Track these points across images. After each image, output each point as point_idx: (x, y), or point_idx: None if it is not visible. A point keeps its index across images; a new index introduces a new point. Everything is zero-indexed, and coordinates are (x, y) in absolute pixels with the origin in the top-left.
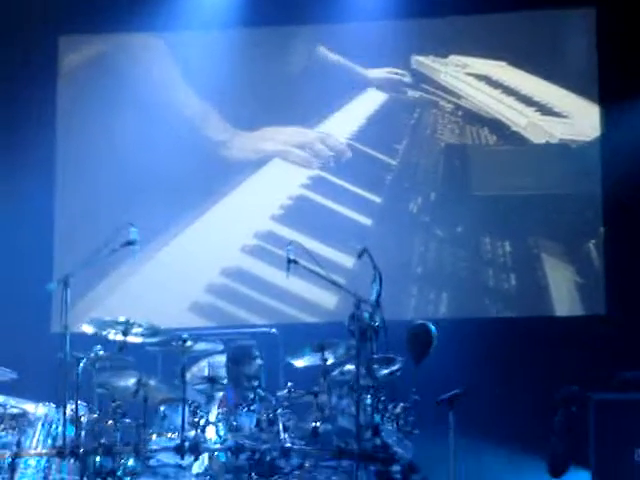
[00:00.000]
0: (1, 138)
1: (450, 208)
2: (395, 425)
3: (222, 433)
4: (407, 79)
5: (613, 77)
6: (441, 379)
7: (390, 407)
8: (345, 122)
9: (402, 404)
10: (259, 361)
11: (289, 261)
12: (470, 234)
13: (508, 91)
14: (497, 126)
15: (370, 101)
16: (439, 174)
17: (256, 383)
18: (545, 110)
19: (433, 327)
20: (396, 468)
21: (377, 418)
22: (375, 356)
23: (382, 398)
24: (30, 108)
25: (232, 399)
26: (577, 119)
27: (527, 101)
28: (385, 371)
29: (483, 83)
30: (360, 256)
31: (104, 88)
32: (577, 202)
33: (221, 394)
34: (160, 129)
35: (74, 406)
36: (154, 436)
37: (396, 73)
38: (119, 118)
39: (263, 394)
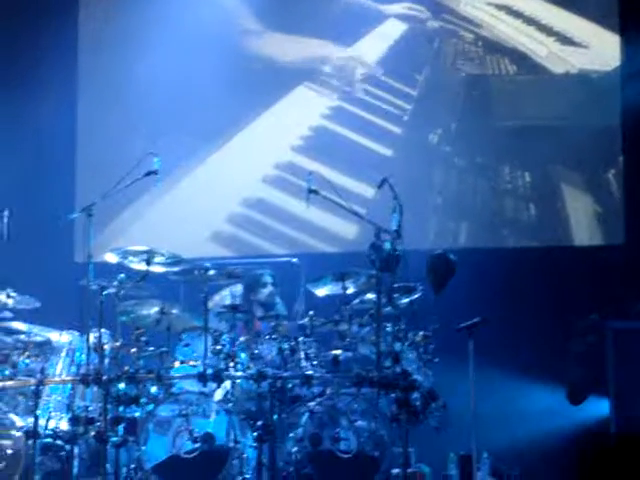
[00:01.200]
0: (24, 68)
1: (470, 138)
2: (415, 353)
3: (244, 361)
4: (427, 9)
5: (633, 7)
6: (461, 308)
7: (410, 335)
8: (365, 53)
9: (422, 332)
10: (270, 288)
11: (309, 191)
12: (490, 164)
13: (528, 21)
14: (517, 56)
15: (390, 32)
16: (459, 104)
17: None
18: (565, 40)
19: (453, 256)
20: (416, 395)
21: (397, 346)
22: (395, 285)
23: (402, 326)
24: (52, 36)
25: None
26: (597, 49)
27: (547, 31)
28: (405, 300)
29: (503, 13)
30: (380, 186)
31: (127, 12)
32: (597, 132)
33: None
34: (185, 56)
35: (97, 334)
36: (177, 364)
37: (415, 5)
38: (142, 45)
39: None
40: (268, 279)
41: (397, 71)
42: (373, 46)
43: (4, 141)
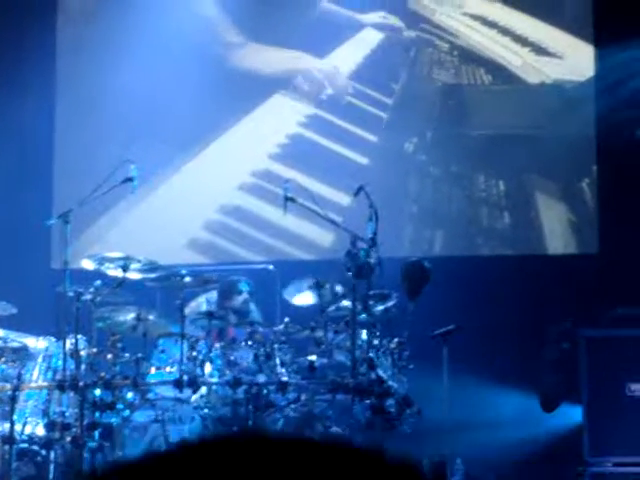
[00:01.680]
0: (1, 72)
1: (445, 147)
2: (390, 360)
3: (219, 367)
4: (403, 19)
5: (608, 18)
6: (435, 315)
7: (385, 342)
8: (341, 61)
9: (397, 339)
10: (245, 295)
11: (286, 199)
12: (465, 173)
13: (503, 31)
14: (493, 66)
15: (366, 41)
16: (435, 113)
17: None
18: (540, 50)
19: (428, 264)
20: (391, 402)
21: (372, 353)
22: (371, 292)
23: (377, 333)
24: (30, 40)
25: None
26: (571, 59)
27: (522, 41)
28: (380, 307)
29: (478, 23)
30: (357, 194)
31: (106, 17)
32: (571, 141)
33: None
34: (162, 63)
35: (74, 340)
36: (153, 370)
37: (391, 14)
38: (121, 50)
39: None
40: (244, 286)
41: (373, 80)
42: (349, 55)
43: None
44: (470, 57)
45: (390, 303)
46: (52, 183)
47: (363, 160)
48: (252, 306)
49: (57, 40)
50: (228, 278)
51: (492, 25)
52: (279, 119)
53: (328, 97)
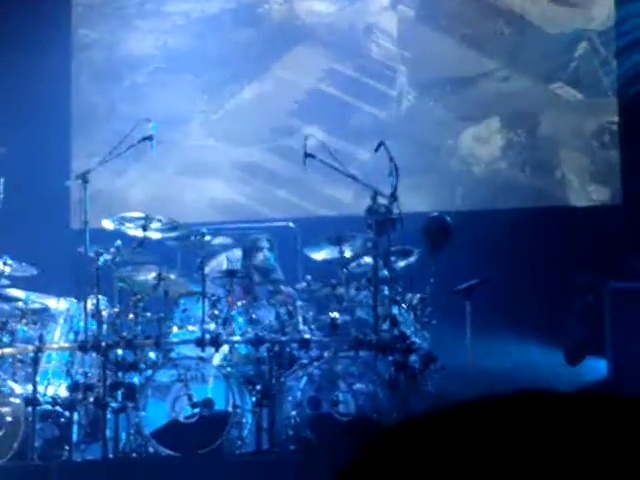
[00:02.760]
0: (17, 33)
1: (465, 98)
2: (412, 316)
3: (241, 325)
4: None
5: None
6: (458, 270)
7: (407, 298)
8: (361, 12)
9: (419, 295)
10: (266, 253)
11: (306, 155)
12: (484, 125)
13: None
14: (512, 17)
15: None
16: (454, 66)
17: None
18: (560, 1)
19: (449, 219)
20: (414, 358)
21: (395, 309)
22: (392, 248)
23: (399, 290)
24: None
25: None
26: (591, 9)
27: None
28: (402, 263)
29: None
30: (377, 149)
31: None
32: (592, 92)
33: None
34: (184, 14)
35: (95, 300)
36: (175, 329)
37: None
38: (141, 7)
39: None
40: (265, 244)
41: (391, 34)
42: (367, 8)
43: None
44: (491, 8)
45: (412, 259)
46: (70, 144)
47: (382, 114)
48: (274, 263)
49: (72, 1)
50: (249, 236)
51: None
52: (297, 75)
53: (348, 50)
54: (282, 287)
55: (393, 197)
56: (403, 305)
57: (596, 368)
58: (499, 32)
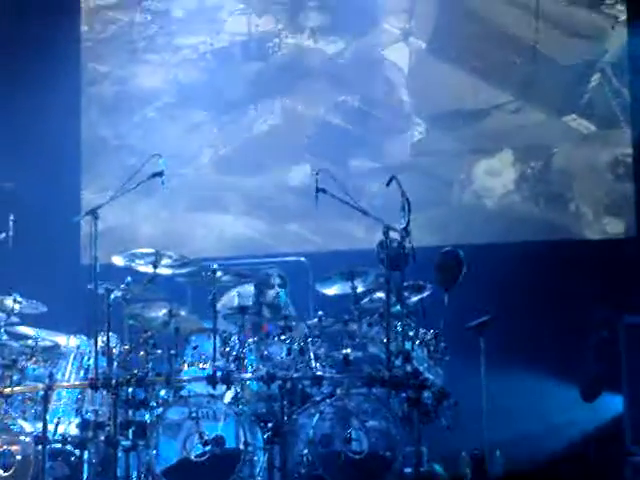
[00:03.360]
0: (26, 68)
1: (478, 134)
2: (426, 352)
3: (253, 363)
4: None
5: None
6: (472, 305)
7: (420, 334)
8: (371, 44)
9: (432, 331)
10: (277, 289)
11: (317, 190)
12: (499, 160)
13: (536, 14)
14: (524, 48)
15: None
16: (465, 98)
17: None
18: (572, 32)
19: (462, 253)
20: (427, 394)
21: (407, 345)
22: (405, 283)
23: (412, 325)
24: (56, 37)
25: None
26: (604, 40)
27: (553, 23)
28: (415, 298)
29: (512, 6)
30: (388, 184)
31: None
32: (606, 123)
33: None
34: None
35: (105, 337)
36: (185, 366)
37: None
38: (148, 45)
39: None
40: (276, 280)
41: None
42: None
43: (8, 143)
44: (501, 39)
45: (425, 294)
46: (80, 179)
47: (392, 147)
48: (286, 299)
49: (82, 36)
50: (260, 271)
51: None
52: (308, 107)
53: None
54: (293, 323)
55: (405, 231)
56: (416, 341)
57: (612, 404)
58: (511, 63)
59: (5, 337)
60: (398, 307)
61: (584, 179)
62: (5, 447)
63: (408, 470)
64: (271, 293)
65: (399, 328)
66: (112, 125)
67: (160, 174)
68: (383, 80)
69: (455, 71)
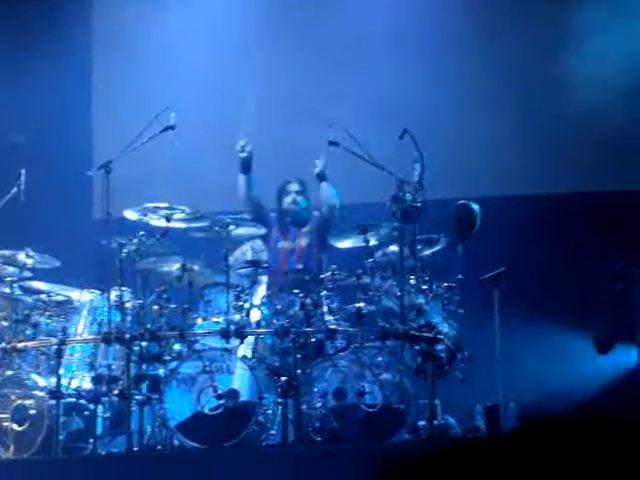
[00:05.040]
0: (39, 24)
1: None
2: (440, 305)
3: (266, 316)
4: None
5: None
6: (486, 257)
7: (434, 287)
8: None
9: (446, 284)
10: (294, 196)
11: (330, 143)
12: (504, 115)
13: None
14: None
15: None
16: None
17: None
18: None
19: (476, 206)
20: (441, 347)
21: (421, 298)
22: (418, 236)
23: (426, 278)
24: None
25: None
26: None
27: None
28: (428, 251)
29: None
30: (401, 137)
31: None
32: None
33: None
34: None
35: (119, 292)
36: (199, 320)
37: None
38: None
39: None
40: (293, 187)
41: None
42: None
43: (18, 95)
44: None
45: (438, 247)
46: (92, 133)
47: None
48: (306, 207)
49: None
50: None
51: None
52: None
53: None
54: (306, 277)
55: (419, 185)
56: (430, 294)
57: (627, 356)
58: None
59: (18, 292)
60: (412, 260)
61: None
62: (19, 402)
63: (422, 423)
64: (288, 200)
65: (412, 281)
66: (125, 77)
67: (171, 128)
68: None
69: None
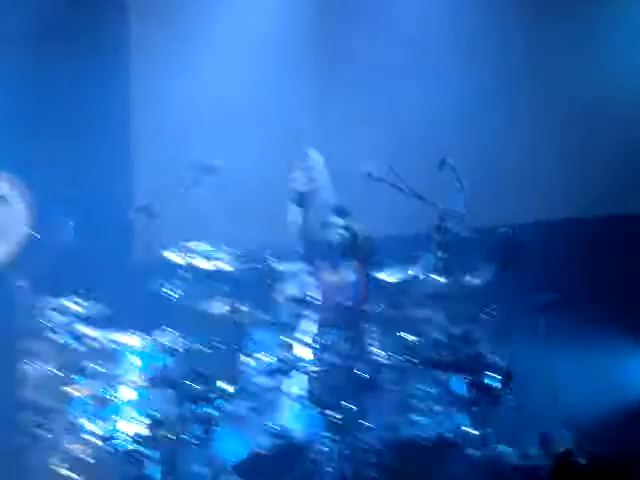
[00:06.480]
0: (75, 83)
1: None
2: (488, 333)
3: (315, 353)
4: None
5: None
6: (533, 284)
7: (482, 315)
8: None
9: (493, 311)
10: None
11: (369, 176)
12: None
13: None
14: None
15: None
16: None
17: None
18: None
19: (516, 233)
20: (491, 376)
21: (469, 328)
22: (463, 265)
23: (473, 308)
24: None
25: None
26: None
27: None
28: (474, 280)
29: None
30: (441, 167)
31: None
32: None
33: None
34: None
35: (167, 334)
36: (247, 359)
37: None
38: (196, 44)
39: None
40: (338, 220)
41: None
42: None
43: (62, 137)
44: None
45: (484, 275)
46: (133, 175)
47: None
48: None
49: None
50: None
51: None
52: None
53: None
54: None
55: (462, 215)
56: (477, 323)
57: None
58: None
59: (68, 339)
60: (457, 289)
61: None
62: (72, 449)
63: (476, 453)
64: (332, 233)
65: (460, 311)
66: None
67: (215, 170)
68: None
69: None
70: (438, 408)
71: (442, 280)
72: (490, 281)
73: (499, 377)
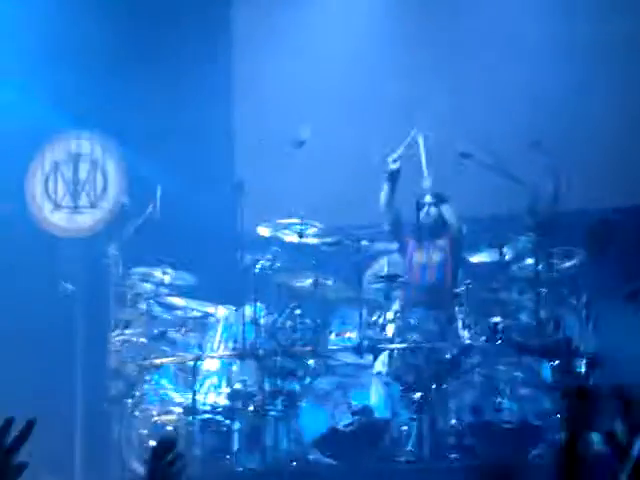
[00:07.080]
0: (179, 59)
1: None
2: (577, 319)
3: (400, 331)
4: None
5: None
6: (627, 271)
7: (572, 300)
8: None
9: (584, 297)
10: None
11: (462, 155)
12: None
13: None
14: None
15: None
16: None
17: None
18: None
19: (614, 217)
20: (579, 362)
21: (559, 312)
22: (555, 249)
23: (564, 292)
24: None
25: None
26: None
27: None
28: (566, 264)
29: None
30: (534, 148)
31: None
32: None
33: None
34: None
35: (253, 308)
36: (332, 336)
37: None
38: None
39: None
40: (429, 199)
41: None
42: None
43: (163, 110)
44: None
45: (576, 260)
46: (233, 151)
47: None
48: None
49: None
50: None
51: None
52: None
53: None
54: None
55: (554, 197)
56: (567, 308)
57: None
58: None
59: (155, 308)
60: (549, 273)
61: None
62: (157, 418)
63: (559, 438)
64: (423, 212)
65: (550, 295)
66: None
67: (303, 142)
68: None
69: None
70: (523, 392)
71: (533, 263)
72: (583, 265)
73: (586, 362)
